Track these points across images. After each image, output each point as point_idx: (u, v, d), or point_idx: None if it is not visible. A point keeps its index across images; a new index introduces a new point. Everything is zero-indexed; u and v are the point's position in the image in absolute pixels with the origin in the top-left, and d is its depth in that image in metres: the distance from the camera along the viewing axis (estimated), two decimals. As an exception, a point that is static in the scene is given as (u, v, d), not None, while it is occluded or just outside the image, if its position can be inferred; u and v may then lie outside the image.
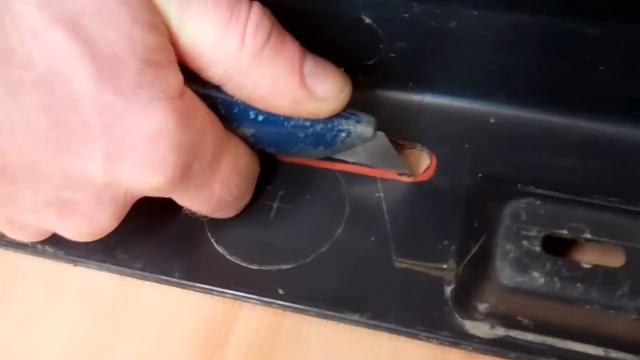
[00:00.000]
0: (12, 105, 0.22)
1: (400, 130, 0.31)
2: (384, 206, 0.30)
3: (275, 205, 0.30)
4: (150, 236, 0.30)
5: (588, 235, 0.25)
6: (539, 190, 0.27)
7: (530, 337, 0.26)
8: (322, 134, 0.27)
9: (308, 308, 0.28)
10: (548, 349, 0.26)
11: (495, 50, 0.29)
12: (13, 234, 0.26)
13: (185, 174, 0.25)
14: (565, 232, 0.25)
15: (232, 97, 0.26)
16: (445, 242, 0.28)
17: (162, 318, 0.29)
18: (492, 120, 0.31)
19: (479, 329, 0.26)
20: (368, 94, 0.32)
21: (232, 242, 0.29)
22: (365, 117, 0.28)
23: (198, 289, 0.29)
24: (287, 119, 0.27)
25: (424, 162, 0.31)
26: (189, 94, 0.25)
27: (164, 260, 0.29)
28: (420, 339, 0.27)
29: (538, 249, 0.25)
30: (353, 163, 0.30)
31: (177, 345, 0.28)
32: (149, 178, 0.24)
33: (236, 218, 0.30)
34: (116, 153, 0.23)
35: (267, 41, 0.25)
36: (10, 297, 0.30)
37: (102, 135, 0.23)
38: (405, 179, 0.30)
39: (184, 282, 0.29)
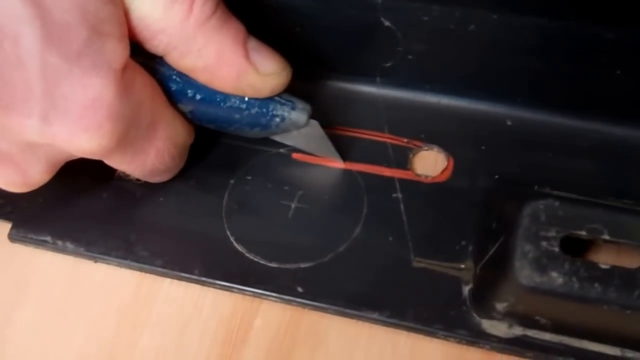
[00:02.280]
0: None
1: (417, 132, 0.32)
2: (402, 207, 0.30)
3: (293, 205, 0.31)
4: (171, 234, 0.31)
5: (606, 237, 0.25)
6: (557, 192, 0.28)
7: (547, 336, 0.26)
8: (257, 118, 0.29)
9: (327, 306, 0.28)
10: (565, 349, 0.26)
11: (513, 53, 0.30)
12: None
13: (121, 141, 0.26)
14: (583, 233, 0.25)
15: (173, 71, 0.27)
16: (463, 243, 0.29)
17: (182, 315, 0.29)
18: (509, 123, 0.32)
19: (497, 328, 0.27)
20: (385, 95, 0.33)
21: (251, 241, 0.30)
22: (300, 105, 0.29)
23: (218, 286, 0.29)
24: (224, 99, 0.28)
25: (441, 164, 0.31)
26: (132, 64, 0.26)
27: (184, 258, 0.30)
28: (438, 338, 0.27)
29: (557, 249, 0.25)
30: (292, 146, 0.31)
31: (198, 342, 0.28)
32: (84, 143, 0.25)
33: (255, 217, 0.30)
34: (54, 115, 0.24)
35: (215, 12, 0.26)
36: (30, 293, 0.30)
37: (42, 96, 0.24)
38: (423, 179, 0.31)
39: (204, 279, 0.29)
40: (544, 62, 0.30)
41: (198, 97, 0.28)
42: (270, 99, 0.28)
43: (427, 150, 0.32)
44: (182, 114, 0.29)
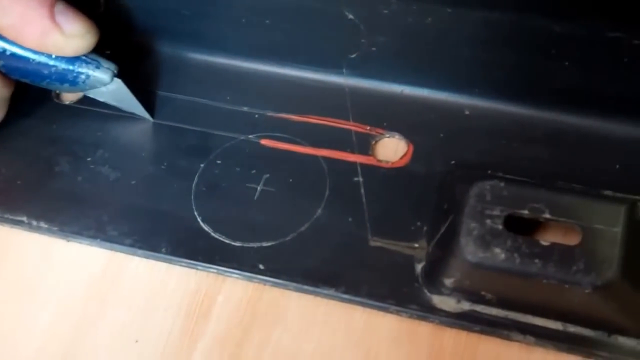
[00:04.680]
0: None
1: (380, 120, 0.33)
2: (362, 190, 0.31)
3: (259, 188, 0.32)
4: (140, 215, 0.32)
5: (547, 215, 0.27)
6: (507, 176, 0.29)
7: (494, 311, 0.27)
8: (64, 74, 0.32)
9: (286, 282, 0.29)
10: (510, 323, 0.27)
11: (468, 45, 0.31)
12: None
13: None
14: (526, 212, 0.27)
15: None
16: (418, 223, 0.30)
17: (149, 291, 0.30)
18: (467, 112, 0.33)
19: (446, 303, 0.28)
20: (350, 86, 0.34)
21: (217, 221, 0.31)
22: (105, 64, 0.32)
23: (184, 264, 0.30)
24: (33, 56, 0.31)
25: (401, 150, 0.32)
26: None
27: (152, 237, 0.31)
28: (390, 313, 0.28)
29: (500, 227, 0.27)
30: (104, 103, 0.34)
31: (162, 316, 0.30)
32: None
33: (222, 199, 0.32)
34: None
35: None
36: (3, 271, 0.32)
37: None
38: (384, 165, 0.32)
39: (170, 257, 0.30)
40: (498, 54, 0.31)
41: (8, 52, 0.31)
42: (76, 57, 0.31)
43: (388, 137, 0.33)
44: None
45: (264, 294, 0.30)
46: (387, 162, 0.32)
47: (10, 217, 0.32)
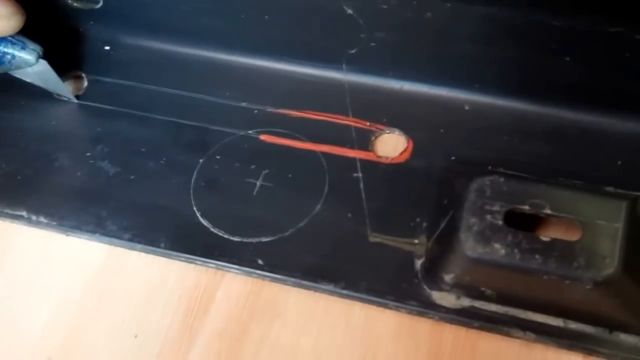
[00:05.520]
0: None
1: (380, 116, 0.33)
2: (362, 185, 0.31)
3: (259, 183, 0.32)
4: (139, 210, 0.32)
5: (548, 211, 0.26)
6: (507, 172, 0.29)
7: (493, 307, 0.27)
8: None
9: (285, 277, 0.29)
10: (510, 319, 0.27)
11: (468, 41, 0.31)
12: None
13: None
14: (526, 207, 0.27)
15: None
16: (418, 219, 0.30)
17: (148, 286, 0.30)
18: (467, 108, 0.33)
19: (446, 299, 0.28)
20: (350, 81, 0.34)
21: (216, 216, 0.31)
22: (31, 45, 0.33)
23: (183, 259, 0.30)
24: None
25: (401, 146, 0.32)
26: None
27: (151, 232, 0.31)
28: (390, 309, 0.28)
29: (500, 222, 0.26)
30: (31, 83, 0.34)
31: (161, 311, 0.30)
32: None
33: (221, 194, 0.32)
34: None
35: None
36: (3, 265, 0.32)
37: None
38: (383, 160, 0.32)
39: (169, 252, 0.30)
40: (498, 49, 0.31)
41: None
42: (3, 38, 0.32)
43: (388, 133, 0.33)
44: None
45: (263, 289, 0.30)
46: (386, 157, 0.32)
47: (10, 211, 0.32)
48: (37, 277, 0.31)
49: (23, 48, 0.33)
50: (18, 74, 0.34)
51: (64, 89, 0.35)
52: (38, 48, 0.33)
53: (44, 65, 0.34)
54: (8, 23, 0.32)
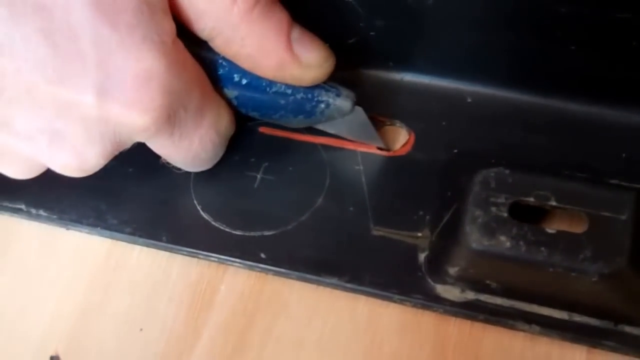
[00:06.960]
0: (14, 26, 0.23)
1: (381, 107, 0.33)
2: (363, 178, 0.31)
3: (259, 176, 0.32)
4: (140, 203, 0.32)
5: (553, 203, 0.26)
6: (511, 163, 0.29)
7: (498, 300, 0.27)
8: (302, 103, 0.29)
9: (289, 271, 0.29)
10: (515, 312, 0.27)
11: (471, 29, 0.31)
12: (4, 168, 0.28)
13: (170, 118, 0.26)
14: (532, 199, 0.26)
15: (219, 55, 0.28)
16: (421, 212, 0.30)
17: (151, 280, 0.30)
18: (469, 100, 0.32)
19: (450, 292, 0.28)
20: (349, 72, 0.33)
21: (217, 209, 0.31)
22: (345, 92, 0.30)
23: (185, 253, 0.30)
24: (270, 84, 0.28)
25: (402, 138, 0.32)
26: (180, 44, 0.26)
27: (152, 226, 0.31)
28: (394, 302, 0.28)
29: (505, 214, 0.26)
30: (333, 135, 0.31)
31: (165, 306, 0.30)
32: (137, 117, 0.25)
33: (222, 187, 0.31)
34: (108, 88, 0.25)
35: (258, 1, 0.26)
36: (4, 259, 0.31)
37: (96, 68, 0.24)
38: (384, 153, 0.32)
39: (171, 246, 0.30)
40: (501, 38, 0.30)
41: (244, 81, 0.28)
42: (316, 85, 0.29)
43: (389, 125, 0.33)
44: (228, 100, 0.29)
45: (267, 283, 0.30)
46: (388, 150, 0.32)
47: (9, 205, 0.32)
48: (40, 271, 0.31)
49: (338, 95, 0.29)
50: (321, 125, 0.30)
51: (379, 139, 0.31)
52: (352, 94, 0.30)
53: (359, 113, 0.30)
54: (320, 72, 0.28)
